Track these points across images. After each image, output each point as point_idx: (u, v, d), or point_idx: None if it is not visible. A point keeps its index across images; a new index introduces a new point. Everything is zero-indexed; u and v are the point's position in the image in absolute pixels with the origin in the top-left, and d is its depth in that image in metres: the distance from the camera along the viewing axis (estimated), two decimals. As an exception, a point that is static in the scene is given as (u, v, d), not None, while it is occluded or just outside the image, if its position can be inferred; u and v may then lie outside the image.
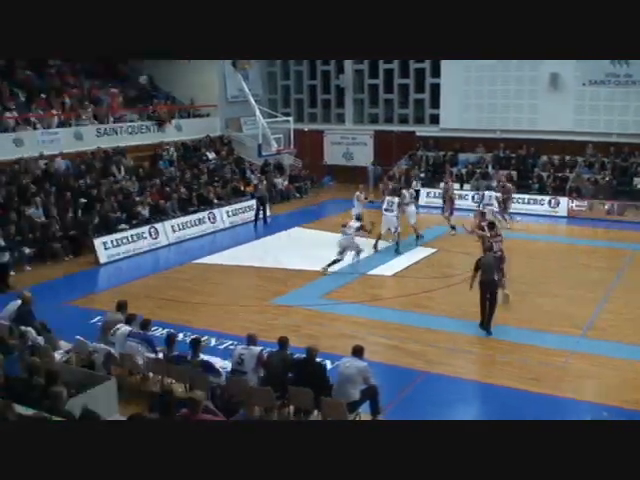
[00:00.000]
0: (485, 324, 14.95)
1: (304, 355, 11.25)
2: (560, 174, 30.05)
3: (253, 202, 28.05)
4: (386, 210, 22.13)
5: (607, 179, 28.79)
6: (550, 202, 28.80)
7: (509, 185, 27.25)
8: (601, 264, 20.53)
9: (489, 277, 14.72)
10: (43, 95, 28.64)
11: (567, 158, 30.86)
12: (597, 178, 28.97)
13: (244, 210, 28.01)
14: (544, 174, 30.30)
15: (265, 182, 29.01)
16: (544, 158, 31.28)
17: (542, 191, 29.62)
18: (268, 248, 23.84)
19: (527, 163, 31.45)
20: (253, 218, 27.36)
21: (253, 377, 11.18)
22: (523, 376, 12.94)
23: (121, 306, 13.34)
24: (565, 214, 28.35)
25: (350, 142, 36.99)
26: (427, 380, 13.01)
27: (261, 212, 27.36)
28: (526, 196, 29.42)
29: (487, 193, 25.65)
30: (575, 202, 28.40)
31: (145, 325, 12.62)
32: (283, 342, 11.39)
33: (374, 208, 24.03)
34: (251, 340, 11.52)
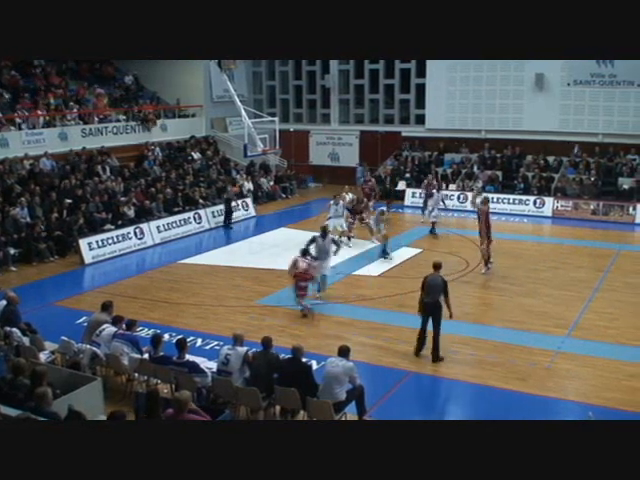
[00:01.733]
0: (433, 353, 13.67)
1: (290, 355, 11.27)
2: (545, 174, 30.13)
3: (238, 202, 28.15)
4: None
5: (592, 179, 28.92)
6: (535, 202, 28.90)
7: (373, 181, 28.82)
8: (586, 264, 20.61)
9: (433, 298, 13.59)
10: (28, 95, 28.51)
11: (552, 158, 31.00)
12: (582, 178, 29.09)
13: (230, 210, 27.81)
14: (529, 174, 30.39)
15: (237, 184, 28.81)
16: (529, 158, 31.41)
17: (527, 191, 29.71)
18: (253, 249, 23.84)
19: (512, 163, 31.53)
20: (224, 222, 27.31)
21: (239, 377, 11.16)
22: (509, 376, 12.99)
23: (107, 306, 13.29)
24: (550, 214, 28.47)
25: (336, 142, 37.01)
26: (413, 380, 13.03)
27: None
28: (511, 196, 29.56)
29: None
30: (560, 202, 28.52)
31: (130, 326, 12.58)
32: (267, 342, 11.35)
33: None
34: (237, 340, 11.48)
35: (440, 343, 13.66)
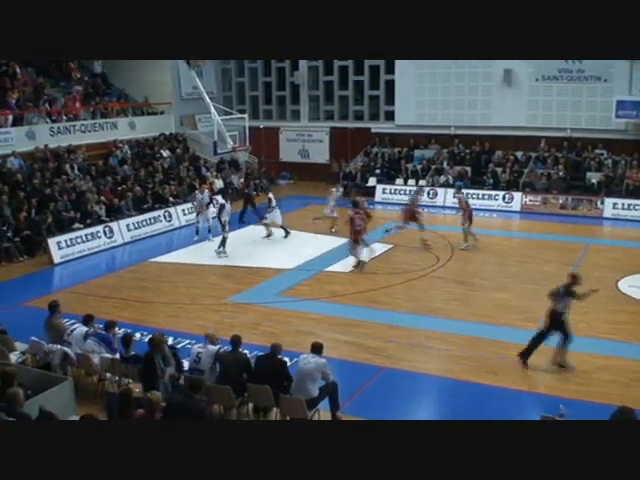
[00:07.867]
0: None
1: (265, 352, 11.28)
2: (514, 169, 30.33)
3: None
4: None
5: (560, 174, 29.14)
6: (504, 197, 29.09)
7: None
8: (555, 258, 20.75)
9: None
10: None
11: (521, 153, 31.20)
12: (550, 173, 29.31)
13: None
14: (498, 169, 30.55)
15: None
16: (498, 153, 31.55)
17: (496, 186, 29.88)
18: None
19: (481, 159, 31.68)
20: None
21: (210, 376, 11.14)
22: (481, 370, 13.09)
23: (54, 307, 12.97)
24: (519, 209, 28.66)
25: (306, 139, 36.98)
26: (386, 376, 13.08)
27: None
28: (480, 191, 29.72)
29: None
30: (529, 197, 28.71)
31: (108, 327, 12.43)
32: (235, 341, 11.31)
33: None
34: (209, 339, 11.48)
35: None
